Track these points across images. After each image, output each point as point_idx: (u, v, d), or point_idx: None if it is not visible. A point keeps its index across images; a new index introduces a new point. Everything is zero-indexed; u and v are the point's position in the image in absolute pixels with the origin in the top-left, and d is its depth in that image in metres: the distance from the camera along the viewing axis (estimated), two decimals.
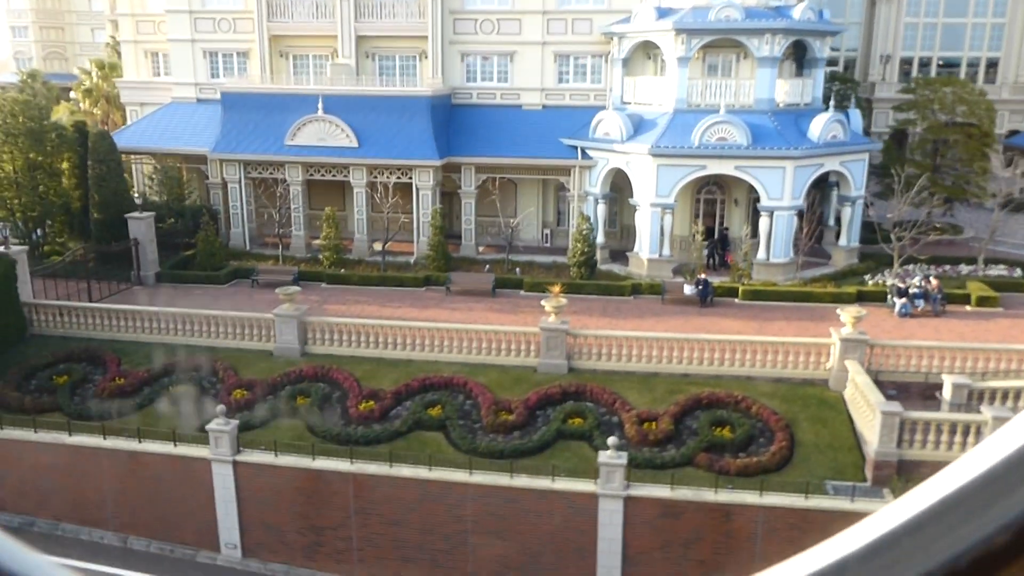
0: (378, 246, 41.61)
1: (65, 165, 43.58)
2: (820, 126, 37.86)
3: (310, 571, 24.38)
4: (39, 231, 43.09)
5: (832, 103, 39.30)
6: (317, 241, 42.54)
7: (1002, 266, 40.03)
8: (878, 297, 35.57)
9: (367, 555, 24.08)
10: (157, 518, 25.22)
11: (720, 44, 39.64)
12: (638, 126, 39.39)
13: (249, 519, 24.48)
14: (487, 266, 40.08)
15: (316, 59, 46.44)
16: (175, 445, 24.69)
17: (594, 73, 43.54)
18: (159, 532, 25.24)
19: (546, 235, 44.86)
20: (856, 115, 42.63)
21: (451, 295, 36.98)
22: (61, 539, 25.27)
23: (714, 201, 42.32)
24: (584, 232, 37.67)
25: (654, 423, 25.10)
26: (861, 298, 35.15)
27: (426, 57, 44.52)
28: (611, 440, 22.31)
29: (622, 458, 22.08)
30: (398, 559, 23.90)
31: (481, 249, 43.38)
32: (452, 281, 37.52)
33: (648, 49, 41.77)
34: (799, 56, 42.62)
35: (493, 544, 23.26)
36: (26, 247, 34.88)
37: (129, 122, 51.13)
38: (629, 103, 41.50)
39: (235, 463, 24.01)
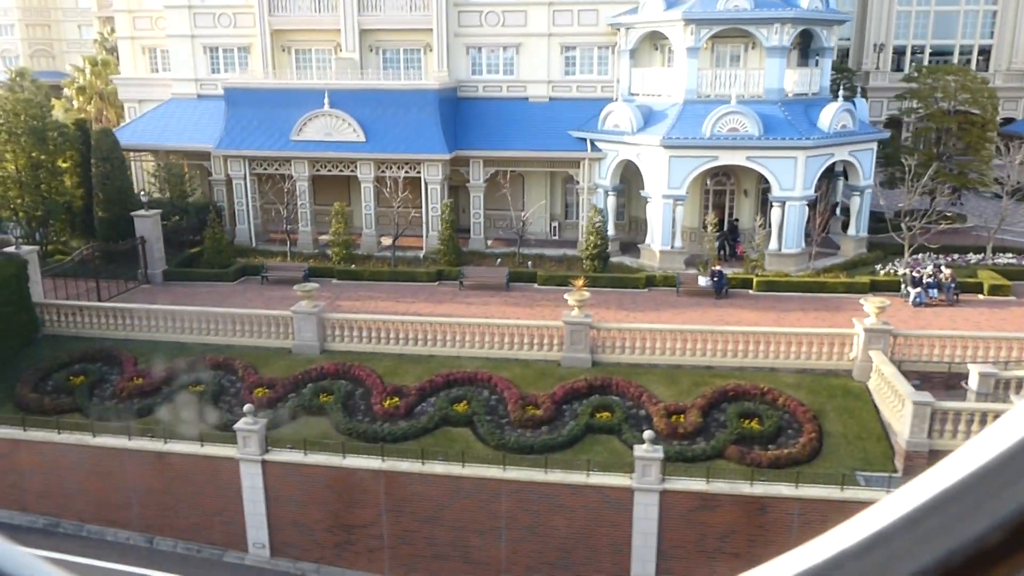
0: (386, 241, 41.39)
1: (67, 164, 43.06)
2: (830, 116, 37.83)
3: (340, 570, 24.21)
4: (41, 231, 42.58)
5: (841, 92, 39.26)
6: (324, 237, 42.25)
7: (1010, 254, 40.19)
8: (891, 287, 35.63)
9: (399, 553, 23.93)
10: (183, 518, 24.98)
11: (728, 34, 39.56)
12: (648, 118, 39.27)
13: (277, 518, 24.28)
14: (499, 260, 39.90)
15: (319, 53, 46.05)
16: (202, 445, 24.46)
17: (601, 65, 43.35)
18: (186, 532, 25.00)
19: (554, 228, 44.71)
20: (863, 104, 42.68)
21: (464, 289, 36.79)
22: (87, 540, 25.00)
23: (723, 192, 42.26)
24: (597, 225, 37.54)
25: (682, 416, 25.04)
26: (874, 288, 35.24)
27: (431, 50, 44.23)
28: (647, 434, 22.22)
29: (658, 452, 22.00)
30: (430, 556, 23.76)
31: (490, 243, 43.20)
32: (465, 275, 37.32)
33: (655, 40, 41.64)
34: (804, 46, 42.61)
35: (527, 539, 23.15)
36: (37, 247, 34.43)
37: (127, 119, 50.68)
38: (637, 94, 41.36)
39: (264, 462, 23.79)
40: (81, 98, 68.23)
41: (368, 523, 23.85)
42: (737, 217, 41.90)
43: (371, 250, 41.79)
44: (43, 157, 41.47)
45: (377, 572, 24.06)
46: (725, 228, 40.86)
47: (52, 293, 33.60)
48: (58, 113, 59.97)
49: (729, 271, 36.56)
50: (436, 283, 37.83)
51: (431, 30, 43.67)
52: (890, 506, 0.91)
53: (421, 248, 41.55)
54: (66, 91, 70.68)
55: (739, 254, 39.82)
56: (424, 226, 41.67)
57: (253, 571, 24.35)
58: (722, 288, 35.20)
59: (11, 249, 31.84)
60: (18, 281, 30.59)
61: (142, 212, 38.88)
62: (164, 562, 24.29)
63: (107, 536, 25.18)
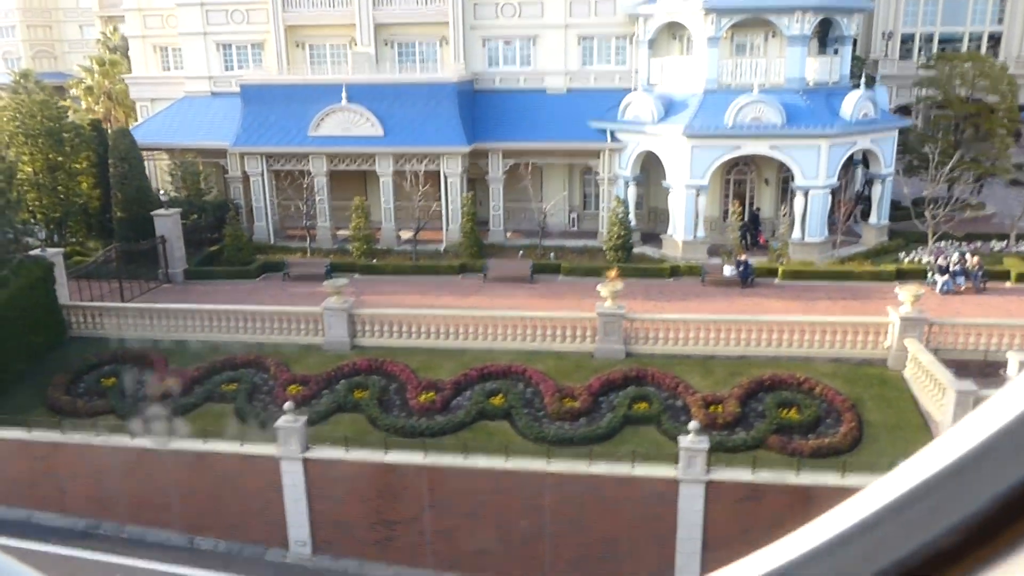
0: (405, 235, 41.31)
1: (82, 165, 42.87)
2: (852, 104, 37.70)
3: (383, 566, 24.11)
4: (58, 232, 42.41)
5: (863, 80, 39.12)
6: (343, 232, 42.14)
7: None
8: (916, 275, 35.47)
9: (440, 548, 23.84)
10: (224, 517, 24.88)
11: (748, 23, 39.38)
12: (668, 107, 39.13)
13: (319, 515, 24.17)
14: (520, 252, 39.85)
15: (333, 48, 45.88)
16: (241, 444, 24.34)
17: (619, 55, 43.18)
18: (226, 531, 24.90)
19: (573, 219, 44.61)
20: (883, 92, 42.53)
21: (489, 282, 36.67)
22: (127, 541, 24.89)
23: (743, 181, 42.14)
24: (620, 215, 37.43)
25: (720, 406, 24.94)
26: (900, 276, 35.10)
27: (447, 43, 44.04)
28: (692, 424, 22.13)
29: (704, 442, 21.90)
30: (473, 551, 23.66)
31: (509, 235, 43.13)
32: (489, 268, 37.21)
33: (674, 30, 41.45)
34: (822, 34, 42.43)
35: (571, 533, 23.06)
36: (62, 249, 34.28)
37: (139, 119, 50.55)
38: (656, 85, 41.21)
39: (305, 460, 23.67)
40: (89, 98, 67.86)
41: (410, 519, 23.76)
42: (758, 206, 41.79)
43: (390, 244, 41.70)
44: (60, 159, 41.30)
45: (419, 567, 23.99)
46: (746, 218, 40.75)
47: (76, 295, 33.46)
48: (69, 114, 59.83)
49: (753, 260, 36.46)
50: (459, 276, 37.73)
51: (447, 23, 43.49)
52: (849, 509, 0.95)
53: (441, 241, 41.46)
54: (72, 91, 70.31)
55: (761, 243, 39.74)
56: (444, 219, 41.56)
57: (295, 569, 24.27)
58: (748, 278, 35.12)
59: (37, 252, 31.68)
60: (45, 284, 30.45)
61: (162, 211, 38.75)
62: (206, 561, 24.17)
63: (148, 537, 25.07)
